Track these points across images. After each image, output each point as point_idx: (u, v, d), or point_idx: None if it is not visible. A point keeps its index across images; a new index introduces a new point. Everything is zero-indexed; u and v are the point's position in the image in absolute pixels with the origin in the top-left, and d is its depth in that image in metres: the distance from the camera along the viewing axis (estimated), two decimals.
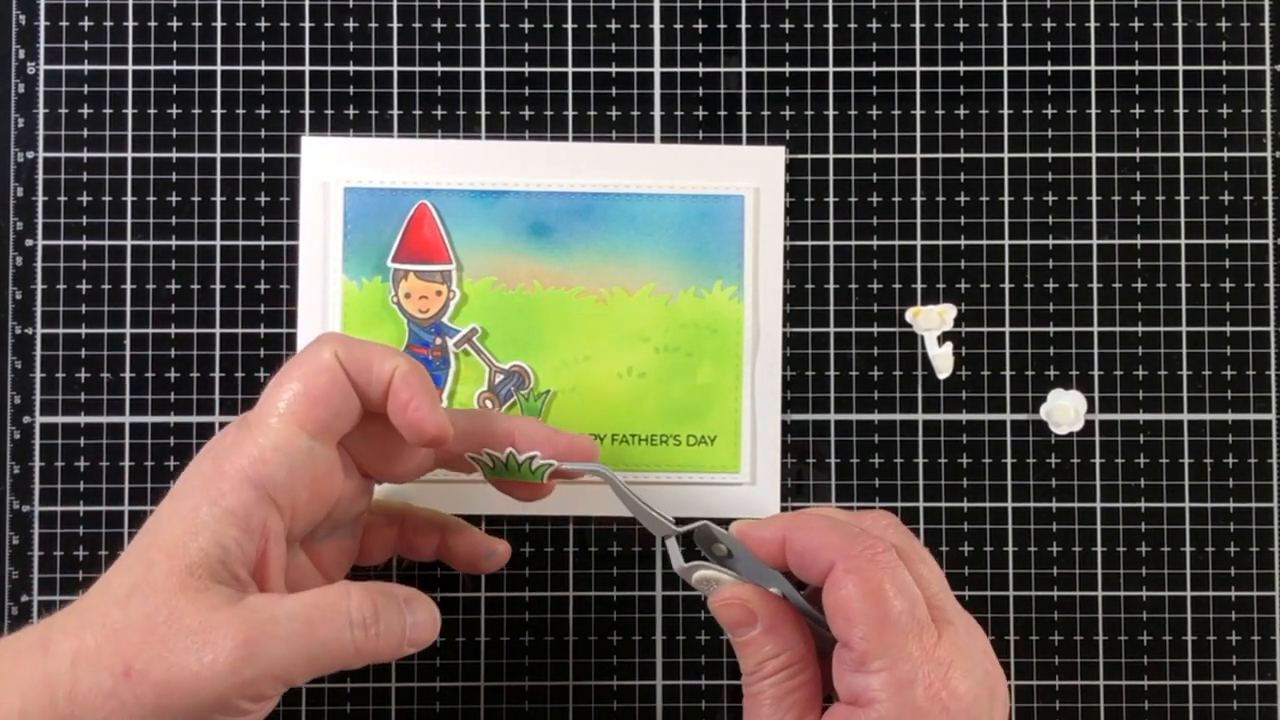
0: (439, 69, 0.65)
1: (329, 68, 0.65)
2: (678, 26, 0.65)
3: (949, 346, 0.65)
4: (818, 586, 0.51)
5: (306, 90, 0.65)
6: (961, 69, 0.66)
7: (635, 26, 0.65)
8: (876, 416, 0.65)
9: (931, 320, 0.65)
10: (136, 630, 0.47)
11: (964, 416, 0.65)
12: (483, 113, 0.65)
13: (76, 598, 0.49)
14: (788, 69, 0.66)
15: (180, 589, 0.48)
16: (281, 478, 0.50)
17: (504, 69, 0.65)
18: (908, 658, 0.48)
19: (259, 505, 0.49)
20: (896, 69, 0.66)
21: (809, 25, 0.66)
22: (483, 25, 0.65)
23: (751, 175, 0.64)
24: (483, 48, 0.65)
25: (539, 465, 0.56)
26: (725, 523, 0.58)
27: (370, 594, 0.50)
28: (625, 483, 0.56)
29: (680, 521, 0.55)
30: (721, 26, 0.65)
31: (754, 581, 0.53)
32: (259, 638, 0.47)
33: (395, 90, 0.65)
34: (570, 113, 0.65)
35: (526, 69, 0.65)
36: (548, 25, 0.65)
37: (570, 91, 0.65)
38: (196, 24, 0.65)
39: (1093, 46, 0.66)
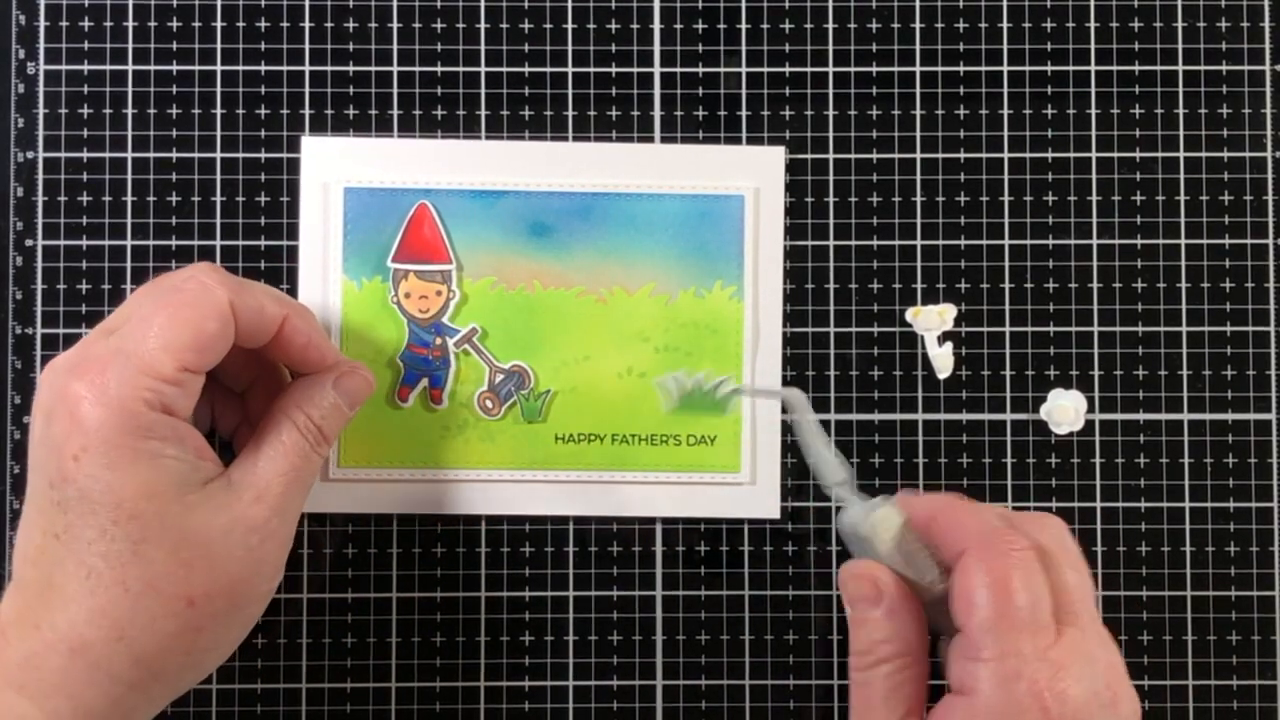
0: (439, 69, 0.65)
1: (329, 68, 0.65)
2: (678, 26, 0.65)
3: (949, 346, 0.65)
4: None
5: (306, 90, 0.65)
6: (961, 69, 0.66)
7: (635, 26, 0.65)
8: (876, 416, 0.65)
9: (931, 320, 0.65)
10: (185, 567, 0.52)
11: (964, 416, 0.65)
12: (483, 113, 0.65)
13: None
14: (788, 69, 0.66)
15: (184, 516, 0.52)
16: (181, 404, 0.53)
17: (504, 69, 0.65)
18: (1017, 653, 0.48)
19: (170, 434, 0.52)
20: (896, 69, 0.66)
21: (809, 25, 0.66)
22: (483, 25, 0.65)
23: (751, 175, 0.64)
24: (483, 48, 0.65)
25: (724, 393, 0.59)
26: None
27: (304, 419, 0.57)
28: (812, 417, 0.58)
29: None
30: (721, 26, 0.65)
31: (908, 563, 0.54)
32: (270, 509, 0.54)
33: (395, 90, 0.65)
34: (570, 113, 0.65)
35: (526, 69, 0.65)
36: (548, 25, 0.65)
37: (570, 91, 0.65)
38: (196, 24, 0.65)
39: (1093, 46, 0.66)
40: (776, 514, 0.64)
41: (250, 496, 0.54)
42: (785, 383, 0.65)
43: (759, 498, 0.64)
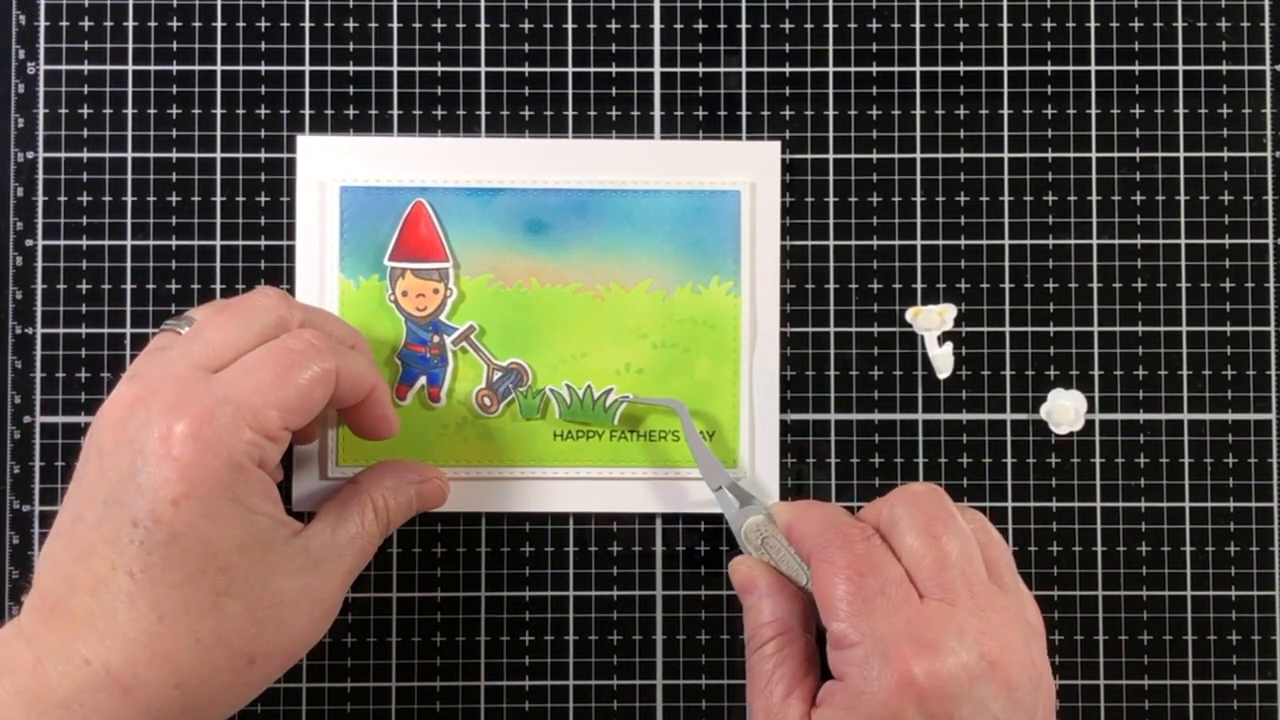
0: (439, 69, 0.65)
1: (329, 68, 0.65)
2: (678, 26, 0.66)
3: (949, 346, 0.65)
4: None
5: (306, 90, 0.65)
6: (961, 69, 0.66)
7: (635, 26, 0.65)
8: (876, 416, 0.65)
9: (931, 320, 0.65)
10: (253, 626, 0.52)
11: (964, 416, 0.65)
12: (483, 113, 0.65)
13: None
14: (788, 69, 0.66)
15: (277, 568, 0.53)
16: (274, 461, 0.53)
17: (504, 69, 0.65)
18: (874, 634, 0.50)
19: (263, 490, 0.52)
20: (896, 69, 0.66)
21: (809, 25, 0.66)
22: (483, 25, 0.65)
23: (747, 170, 0.64)
24: (483, 48, 0.65)
25: (613, 402, 0.62)
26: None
27: (383, 504, 0.58)
28: (694, 424, 0.62)
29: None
30: (721, 26, 0.66)
31: (778, 565, 0.58)
32: (338, 581, 0.55)
33: (395, 90, 0.65)
34: (570, 112, 0.65)
35: (526, 69, 0.65)
36: (548, 25, 0.65)
37: (570, 91, 0.65)
38: (196, 24, 0.65)
39: (1093, 46, 0.66)
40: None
41: (327, 569, 0.54)
42: (784, 383, 0.65)
43: (758, 492, 0.64)
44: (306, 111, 0.65)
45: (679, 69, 0.65)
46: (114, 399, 0.52)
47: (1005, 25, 0.66)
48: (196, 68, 0.65)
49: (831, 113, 0.66)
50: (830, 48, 0.66)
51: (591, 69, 0.65)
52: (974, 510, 0.57)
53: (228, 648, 0.50)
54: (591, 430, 0.64)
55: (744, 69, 0.66)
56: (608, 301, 0.64)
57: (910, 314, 0.65)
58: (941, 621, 0.50)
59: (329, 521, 0.56)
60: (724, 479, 0.61)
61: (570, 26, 0.65)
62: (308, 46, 0.65)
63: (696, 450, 0.61)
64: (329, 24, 0.65)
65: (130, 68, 0.65)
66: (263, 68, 0.65)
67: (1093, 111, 0.66)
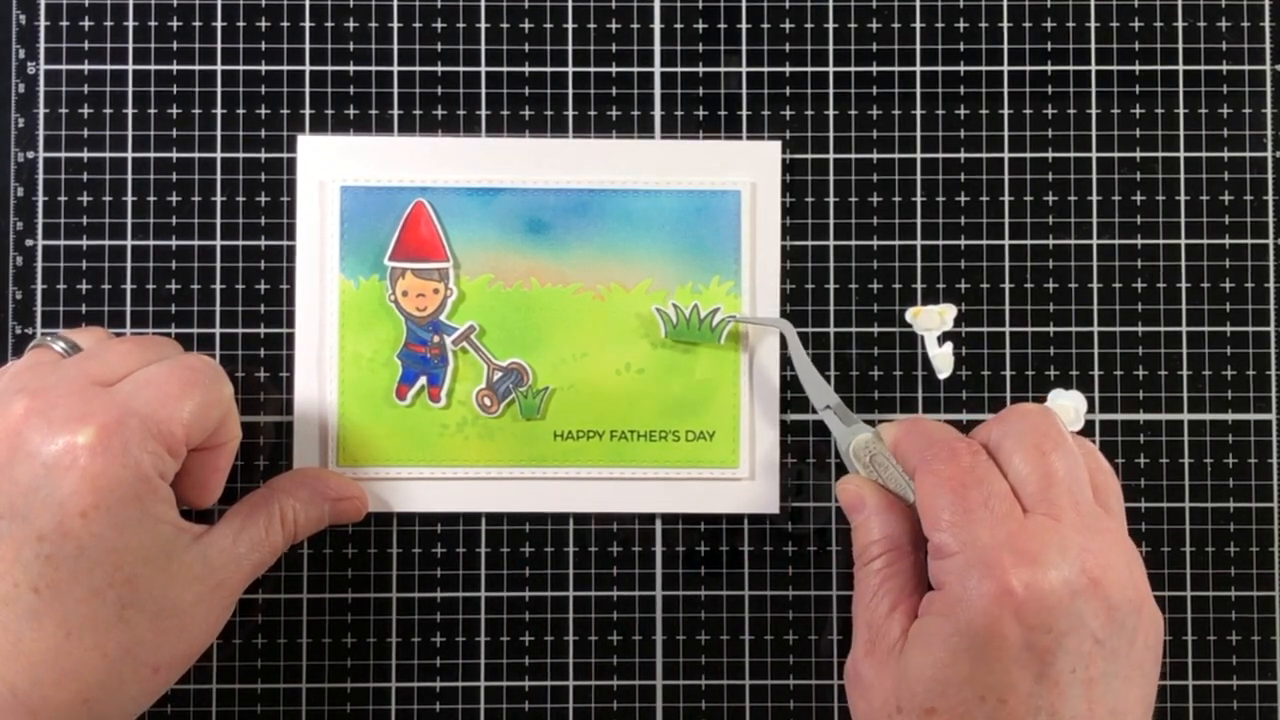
0: (439, 69, 0.65)
1: (328, 68, 0.65)
2: (678, 26, 0.66)
3: (949, 346, 0.65)
4: None
5: (306, 90, 0.65)
6: (961, 69, 0.66)
7: (635, 26, 0.65)
8: (876, 416, 0.65)
9: (931, 320, 0.65)
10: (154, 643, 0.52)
11: (964, 416, 0.65)
12: (483, 112, 0.65)
13: None
14: (788, 69, 0.66)
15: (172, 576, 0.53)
16: (173, 472, 0.54)
17: (504, 69, 0.65)
18: (974, 544, 0.50)
19: (167, 497, 0.53)
20: (896, 69, 0.66)
21: (809, 25, 0.66)
22: (483, 25, 0.65)
23: (748, 170, 0.64)
24: (483, 48, 0.65)
25: (720, 320, 0.63)
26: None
27: (291, 514, 0.59)
28: (800, 345, 0.63)
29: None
30: (721, 26, 0.65)
31: (885, 481, 0.58)
32: (232, 587, 0.56)
33: (395, 90, 0.65)
34: (570, 112, 0.65)
35: (526, 69, 0.65)
36: (548, 25, 0.65)
37: (570, 91, 0.65)
38: (196, 24, 0.65)
39: (1093, 46, 0.66)
40: (775, 509, 0.64)
41: (221, 576, 0.54)
42: (784, 383, 0.65)
43: (758, 493, 0.64)
44: (306, 111, 0.65)
45: (679, 69, 0.65)
46: (1, 413, 0.51)
47: (1005, 25, 0.66)
48: (196, 68, 0.65)
49: (831, 113, 0.66)
50: (830, 48, 0.66)
51: (591, 69, 0.65)
52: (1087, 440, 0.57)
53: (134, 660, 0.51)
54: (591, 431, 0.64)
55: (744, 69, 0.66)
56: (608, 301, 0.64)
57: (910, 314, 0.65)
58: (1044, 535, 0.50)
59: (232, 528, 0.56)
60: (830, 399, 0.61)
61: (570, 26, 0.65)
62: (308, 46, 0.65)
63: (802, 371, 0.62)
64: (329, 24, 0.65)
65: (130, 68, 0.65)
66: (263, 68, 0.65)
67: (1093, 111, 0.66)
